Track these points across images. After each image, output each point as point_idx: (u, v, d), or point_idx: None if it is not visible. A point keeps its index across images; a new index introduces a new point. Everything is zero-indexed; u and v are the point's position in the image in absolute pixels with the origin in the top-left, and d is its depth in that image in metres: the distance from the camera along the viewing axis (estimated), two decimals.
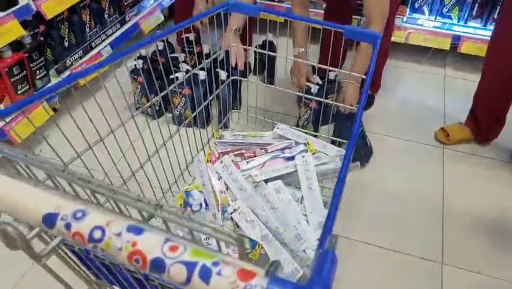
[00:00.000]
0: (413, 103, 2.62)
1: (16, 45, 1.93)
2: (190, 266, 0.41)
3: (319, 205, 1.34)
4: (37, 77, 2.07)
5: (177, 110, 2.30)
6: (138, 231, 0.43)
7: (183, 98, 2.27)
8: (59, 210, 0.45)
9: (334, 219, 0.73)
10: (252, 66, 2.78)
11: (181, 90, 2.24)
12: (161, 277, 0.42)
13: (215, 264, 0.41)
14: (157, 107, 2.37)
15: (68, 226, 0.44)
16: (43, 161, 0.54)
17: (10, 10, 1.84)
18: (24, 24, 1.96)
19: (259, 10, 1.33)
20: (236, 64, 1.78)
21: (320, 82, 2.18)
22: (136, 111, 1.26)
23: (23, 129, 1.99)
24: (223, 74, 1.92)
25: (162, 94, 1.34)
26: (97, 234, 0.43)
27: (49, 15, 2.01)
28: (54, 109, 2.32)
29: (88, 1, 2.36)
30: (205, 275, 0.40)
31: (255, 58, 2.72)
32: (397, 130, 2.40)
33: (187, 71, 2.17)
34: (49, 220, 0.44)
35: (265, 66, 2.45)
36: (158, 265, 0.42)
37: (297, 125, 2.14)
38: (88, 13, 2.38)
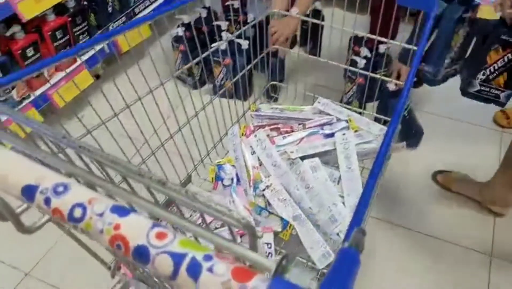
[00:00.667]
0: None
1: (59, 9, 1.93)
2: (177, 258, 0.34)
3: (357, 186, 1.24)
4: (80, 42, 2.06)
5: (217, 81, 2.24)
6: (123, 212, 0.37)
7: (224, 68, 2.20)
8: (40, 182, 0.39)
9: (366, 207, 0.64)
10: (298, 37, 2.67)
11: (222, 60, 2.17)
12: (146, 267, 0.36)
13: (207, 258, 0.34)
14: (197, 77, 2.32)
15: (47, 201, 0.38)
16: (46, 127, 0.49)
17: None
18: None
19: None
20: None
21: (369, 55, 2.04)
22: (170, 79, 1.20)
23: (65, 94, 2.00)
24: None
25: (195, 60, 1.28)
26: (77, 212, 0.37)
27: None
28: (98, 76, 2.33)
29: None
30: (194, 269, 0.34)
31: (301, 28, 2.60)
32: (451, 111, 2.22)
33: (227, 40, 2.10)
34: (29, 192, 0.39)
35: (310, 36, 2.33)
36: (142, 253, 0.35)
37: (341, 101, 2.03)
38: None
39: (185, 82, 2.36)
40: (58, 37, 1.92)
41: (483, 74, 1.50)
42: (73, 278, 1.57)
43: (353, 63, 1.94)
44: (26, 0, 1.70)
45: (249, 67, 1.49)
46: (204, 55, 1.31)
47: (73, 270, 1.58)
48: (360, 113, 1.50)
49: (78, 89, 2.07)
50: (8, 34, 1.73)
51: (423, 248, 1.66)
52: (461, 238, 1.67)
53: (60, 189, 0.38)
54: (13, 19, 1.71)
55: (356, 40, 2.20)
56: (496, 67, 1.48)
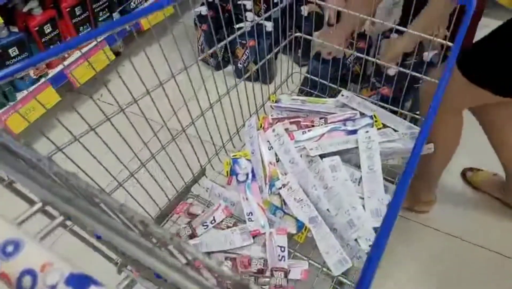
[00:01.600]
0: None
1: None
2: None
3: (379, 188, 1.17)
4: (100, 19, 2.01)
5: (240, 64, 2.16)
6: (82, 285, 0.31)
7: (247, 50, 2.12)
8: None
9: (391, 228, 0.58)
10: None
11: (245, 41, 2.09)
12: None
13: None
14: (219, 58, 2.24)
15: None
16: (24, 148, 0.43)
17: None
18: None
19: None
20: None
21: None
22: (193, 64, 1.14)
23: (83, 72, 1.96)
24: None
25: (221, 44, 1.21)
26: (26, 282, 0.32)
27: None
28: (118, 53, 2.28)
29: None
30: None
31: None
32: None
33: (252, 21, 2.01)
34: None
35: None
36: None
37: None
38: None
39: (207, 64, 2.29)
40: (77, 13, 1.87)
41: None
42: None
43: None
44: None
45: (275, 50, 1.42)
46: (230, 38, 1.24)
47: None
48: (384, 107, 1.41)
49: (95, 69, 2.03)
50: (25, 10, 1.69)
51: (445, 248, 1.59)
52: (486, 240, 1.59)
53: (10, 249, 0.33)
54: None
55: None
56: None
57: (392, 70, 1.57)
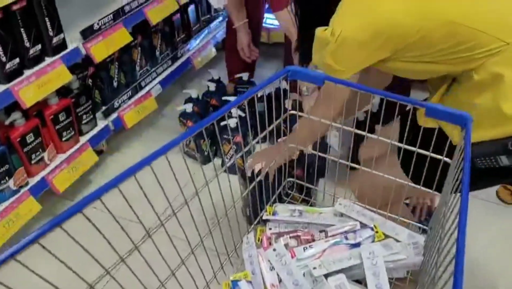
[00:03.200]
0: None
1: (62, 91, 1.85)
2: None
3: None
4: (83, 122, 1.98)
5: (227, 158, 2.14)
6: None
7: (234, 145, 2.11)
8: None
9: None
10: None
11: (232, 137, 2.09)
12: None
13: None
14: (206, 153, 2.22)
15: None
16: None
17: (58, 56, 1.76)
18: (72, 67, 1.88)
19: (324, 79, 1.14)
20: None
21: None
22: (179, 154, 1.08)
23: (65, 177, 1.90)
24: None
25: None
26: None
27: (98, 59, 1.92)
28: (101, 152, 2.24)
29: (139, 39, 2.27)
30: None
31: None
32: None
33: (239, 117, 2.02)
34: None
35: None
36: None
37: None
38: (139, 51, 2.28)
39: (194, 158, 2.26)
40: (61, 119, 1.83)
41: None
42: None
43: None
44: (27, 87, 1.62)
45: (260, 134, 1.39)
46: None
47: None
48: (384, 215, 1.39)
49: (80, 171, 1.97)
50: (7, 122, 1.65)
51: None
52: None
53: None
54: (14, 105, 1.63)
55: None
56: None
57: None
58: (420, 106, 1.09)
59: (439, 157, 1.17)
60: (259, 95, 2.22)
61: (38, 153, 1.77)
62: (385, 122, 1.99)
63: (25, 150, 1.71)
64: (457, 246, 0.67)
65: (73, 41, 1.83)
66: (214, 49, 2.83)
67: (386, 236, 1.28)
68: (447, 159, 1.15)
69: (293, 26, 1.62)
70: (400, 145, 1.25)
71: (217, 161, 2.28)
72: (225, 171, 1.12)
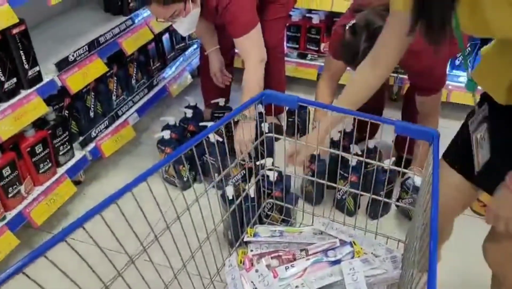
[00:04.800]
0: None
1: (39, 123, 1.85)
2: None
3: None
4: (61, 153, 1.97)
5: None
6: None
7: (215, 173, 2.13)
8: None
9: None
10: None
11: (213, 161, 2.10)
12: None
13: None
14: (185, 178, 2.23)
15: None
16: None
17: (34, 88, 1.76)
18: (48, 99, 1.88)
19: (297, 102, 1.19)
20: None
21: (359, 152, 2.00)
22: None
23: (43, 209, 1.88)
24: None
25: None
26: None
27: (74, 90, 1.92)
28: (78, 182, 2.22)
29: (115, 69, 2.29)
30: None
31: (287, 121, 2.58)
32: None
33: (217, 142, 2.05)
34: None
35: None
36: None
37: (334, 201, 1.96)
38: (115, 81, 2.30)
39: (174, 185, 2.27)
40: (37, 152, 1.82)
41: None
42: None
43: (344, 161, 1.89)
44: (3, 120, 1.62)
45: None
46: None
47: None
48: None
49: (58, 203, 1.95)
50: None
51: None
52: None
53: None
54: None
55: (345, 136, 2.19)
56: None
57: None
58: (390, 124, 1.14)
59: None
60: (235, 120, 2.25)
61: (15, 186, 1.75)
62: (358, 142, 2.05)
63: (2, 183, 1.69)
64: (429, 257, 0.71)
65: (49, 73, 1.84)
66: (189, 76, 2.87)
67: (365, 252, 1.32)
68: None
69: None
70: None
71: (198, 186, 2.28)
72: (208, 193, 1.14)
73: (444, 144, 1.21)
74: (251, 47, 2.01)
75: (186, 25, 1.91)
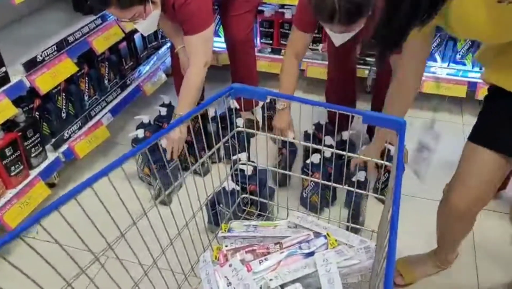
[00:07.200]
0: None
1: (8, 125, 1.81)
2: None
3: None
4: (33, 155, 1.94)
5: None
6: None
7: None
8: None
9: None
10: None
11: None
12: None
13: None
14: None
15: None
16: None
17: (1, 89, 1.72)
18: (17, 101, 1.84)
19: (266, 94, 1.19)
20: None
21: (333, 143, 1.98)
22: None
23: (16, 212, 1.84)
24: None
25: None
26: None
27: (44, 90, 1.89)
28: (53, 185, 2.18)
29: (86, 69, 2.25)
30: None
31: (263, 116, 2.58)
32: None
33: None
34: None
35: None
36: None
37: (301, 198, 1.96)
38: (87, 81, 2.27)
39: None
40: (7, 154, 1.79)
41: None
42: None
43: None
44: None
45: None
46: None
47: None
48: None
49: (32, 205, 1.92)
50: None
51: None
52: None
53: None
54: None
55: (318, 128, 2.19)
56: None
57: None
58: (358, 114, 1.15)
59: None
60: (210, 116, 2.25)
61: None
62: (333, 135, 2.06)
63: None
64: (388, 244, 0.72)
65: (16, 74, 1.80)
66: (164, 75, 2.85)
67: (339, 243, 1.33)
68: None
69: None
70: None
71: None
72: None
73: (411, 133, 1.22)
74: (201, 47, 1.99)
75: (145, 26, 1.91)
